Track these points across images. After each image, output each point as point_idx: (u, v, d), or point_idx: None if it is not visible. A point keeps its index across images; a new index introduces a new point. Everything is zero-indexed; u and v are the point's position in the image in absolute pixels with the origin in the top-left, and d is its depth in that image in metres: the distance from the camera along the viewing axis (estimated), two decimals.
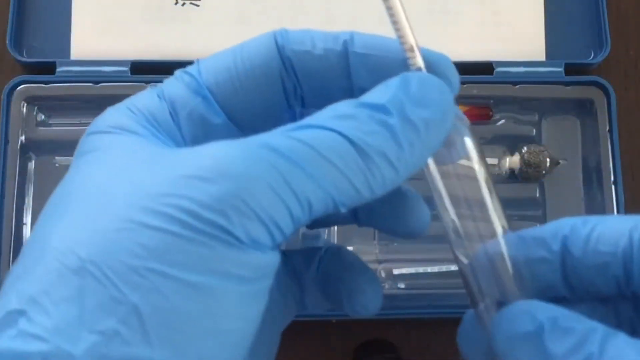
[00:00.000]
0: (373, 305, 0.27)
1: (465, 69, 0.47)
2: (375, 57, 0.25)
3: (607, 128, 0.46)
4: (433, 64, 0.24)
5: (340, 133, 0.21)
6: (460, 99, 0.46)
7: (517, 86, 0.46)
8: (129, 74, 0.46)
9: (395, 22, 0.24)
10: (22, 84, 0.45)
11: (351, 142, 0.21)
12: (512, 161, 0.45)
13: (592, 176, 0.46)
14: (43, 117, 0.46)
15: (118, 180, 0.21)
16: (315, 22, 0.48)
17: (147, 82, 0.45)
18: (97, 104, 0.46)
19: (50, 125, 0.46)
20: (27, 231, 0.44)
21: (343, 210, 0.22)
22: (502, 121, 0.47)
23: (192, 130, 0.25)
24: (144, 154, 0.23)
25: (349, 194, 0.21)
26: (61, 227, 0.21)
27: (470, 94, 0.46)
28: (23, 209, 0.44)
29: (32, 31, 0.47)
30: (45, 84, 0.45)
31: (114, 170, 0.22)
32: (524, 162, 0.45)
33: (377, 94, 0.23)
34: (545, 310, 0.23)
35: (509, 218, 0.25)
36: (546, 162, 0.45)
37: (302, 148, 0.21)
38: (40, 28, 0.47)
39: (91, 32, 0.47)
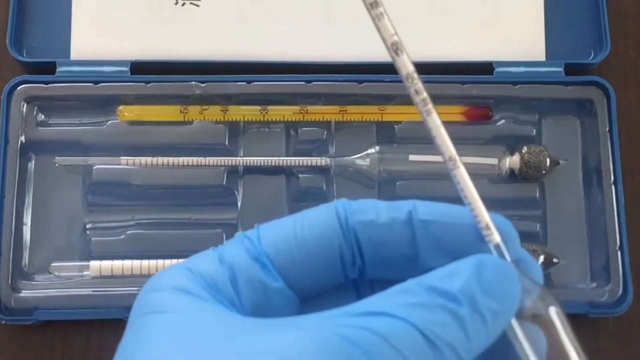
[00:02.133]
0: None
1: (465, 69, 0.47)
2: (440, 223, 0.26)
3: (607, 128, 0.46)
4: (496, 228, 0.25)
5: (412, 324, 0.22)
6: (460, 99, 0.46)
7: (517, 86, 0.46)
8: (129, 74, 0.46)
9: (469, 203, 0.25)
10: (22, 84, 0.45)
11: (422, 334, 0.22)
12: (512, 161, 0.45)
13: (592, 176, 0.46)
14: (43, 117, 0.46)
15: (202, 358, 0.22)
16: (315, 22, 0.48)
17: (147, 82, 0.45)
18: (97, 104, 0.46)
19: (50, 125, 0.46)
20: (27, 231, 0.44)
21: None
22: (502, 121, 0.47)
23: (250, 295, 0.25)
24: (219, 326, 0.23)
25: None
26: None
27: (470, 94, 0.46)
28: (23, 209, 0.44)
29: (32, 31, 0.47)
30: (45, 84, 0.45)
31: (194, 345, 0.22)
32: (524, 162, 0.45)
33: (449, 279, 0.23)
34: None
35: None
36: (546, 162, 0.45)
37: (378, 341, 0.22)
38: (40, 28, 0.47)
39: (91, 32, 0.47)
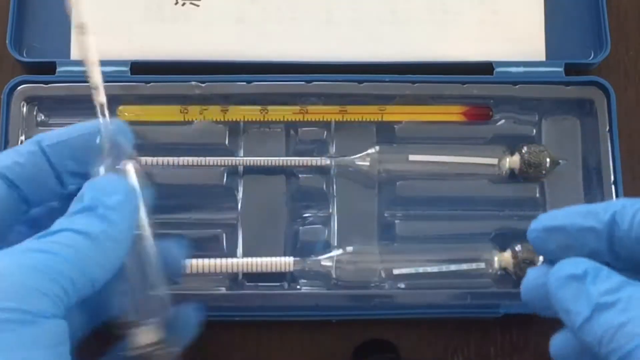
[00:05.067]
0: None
1: (465, 69, 0.47)
2: (65, 141, 0.33)
3: (607, 128, 0.46)
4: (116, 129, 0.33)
5: (75, 231, 0.29)
6: (460, 99, 0.46)
7: (517, 86, 0.46)
8: (129, 74, 0.46)
9: (84, 61, 0.31)
10: (22, 84, 0.45)
11: (85, 234, 0.29)
12: (512, 161, 0.45)
13: (592, 176, 0.46)
14: (43, 117, 0.46)
15: None
16: (315, 22, 0.48)
17: (147, 82, 0.45)
18: None
19: (50, 125, 0.46)
20: None
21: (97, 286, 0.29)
22: (502, 121, 0.47)
23: None
24: None
25: (93, 271, 0.29)
26: None
27: (470, 94, 0.46)
28: None
29: (32, 31, 0.47)
30: (45, 84, 0.45)
31: None
32: (524, 162, 0.45)
33: (81, 200, 0.30)
34: (591, 263, 0.29)
35: None
36: (546, 162, 0.45)
37: (53, 246, 0.28)
38: (40, 28, 0.47)
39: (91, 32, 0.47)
